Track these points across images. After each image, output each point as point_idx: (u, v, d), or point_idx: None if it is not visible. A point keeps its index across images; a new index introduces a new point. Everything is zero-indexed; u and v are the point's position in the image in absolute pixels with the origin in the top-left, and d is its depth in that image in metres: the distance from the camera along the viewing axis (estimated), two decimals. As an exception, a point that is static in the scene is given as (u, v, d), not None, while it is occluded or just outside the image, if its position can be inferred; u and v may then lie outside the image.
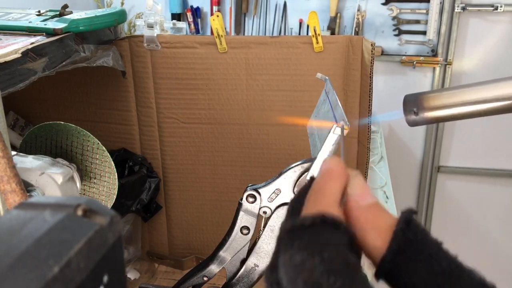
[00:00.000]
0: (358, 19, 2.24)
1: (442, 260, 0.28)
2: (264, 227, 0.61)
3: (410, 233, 0.28)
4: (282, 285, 0.27)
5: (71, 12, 0.95)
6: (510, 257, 2.45)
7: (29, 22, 0.90)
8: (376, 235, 0.29)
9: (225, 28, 2.32)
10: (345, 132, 0.48)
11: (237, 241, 0.63)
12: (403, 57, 2.27)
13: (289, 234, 0.27)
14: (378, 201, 0.31)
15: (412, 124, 0.35)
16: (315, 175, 0.55)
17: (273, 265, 0.28)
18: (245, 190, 0.60)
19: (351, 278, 0.25)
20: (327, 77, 0.60)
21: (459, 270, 0.27)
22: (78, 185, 0.79)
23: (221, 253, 0.64)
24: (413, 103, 0.34)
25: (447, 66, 2.25)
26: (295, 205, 0.31)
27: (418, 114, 0.34)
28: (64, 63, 0.83)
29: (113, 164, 0.85)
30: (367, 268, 0.46)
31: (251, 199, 0.60)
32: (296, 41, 1.05)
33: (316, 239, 0.26)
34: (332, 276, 0.24)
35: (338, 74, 1.05)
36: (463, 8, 2.15)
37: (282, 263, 0.26)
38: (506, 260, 2.44)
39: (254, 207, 0.61)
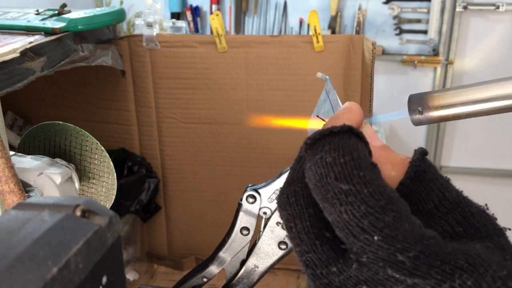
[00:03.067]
0: (359, 18, 2.24)
1: (452, 191, 0.31)
2: (264, 227, 0.61)
3: (425, 164, 0.31)
4: (299, 194, 0.30)
5: (69, 11, 0.95)
6: (510, 257, 2.44)
7: (28, 21, 0.89)
8: (391, 167, 0.32)
9: (225, 27, 2.31)
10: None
11: (237, 241, 0.62)
12: (404, 56, 2.27)
13: (318, 141, 0.29)
14: (386, 144, 0.34)
15: (417, 123, 0.35)
16: None
17: (291, 179, 0.31)
18: (245, 191, 0.60)
19: (378, 175, 0.28)
20: (327, 77, 0.60)
21: (466, 200, 0.31)
22: (76, 186, 0.79)
23: (221, 254, 0.63)
24: (418, 103, 0.35)
25: (449, 65, 2.25)
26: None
27: (423, 113, 0.35)
28: (62, 62, 0.82)
29: (112, 164, 0.84)
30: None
31: (251, 200, 0.60)
32: (296, 41, 1.05)
33: (346, 143, 0.28)
34: (361, 171, 0.27)
35: (339, 73, 1.04)
36: (465, 7, 2.15)
37: (311, 164, 0.28)
38: (507, 260, 2.43)
39: (254, 208, 0.60)
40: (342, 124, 0.29)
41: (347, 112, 0.34)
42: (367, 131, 0.34)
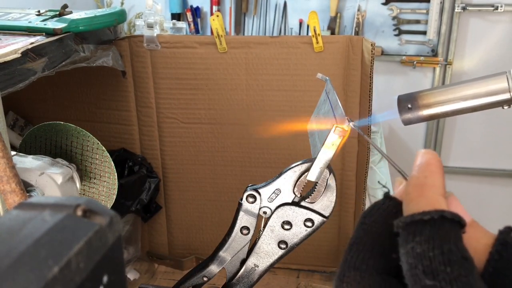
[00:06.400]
0: (358, 19, 2.24)
1: None
2: (264, 227, 0.61)
3: (507, 253, 0.28)
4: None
5: (70, 12, 0.95)
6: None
7: (29, 22, 0.90)
8: (473, 255, 0.28)
9: (225, 28, 2.31)
10: (347, 132, 0.48)
11: (237, 241, 0.63)
12: (403, 57, 2.27)
13: (408, 228, 0.28)
14: (474, 220, 0.31)
15: (407, 122, 0.36)
16: (314, 178, 0.55)
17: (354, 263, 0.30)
18: (245, 190, 0.60)
19: (467, 271, 0.26)
20: (327, 78, 0.60)
21: None
22: (77, 185, 0.79)
23: (221, 253, 0.64)
24: (406, 101, 0.35)
25: (447, 66, 2.25)
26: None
27: (412, 111, 0.35)
28: (63, 63, 0.83)
29: (113, 164, 0.85)
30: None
31: (251, 199, 0.60)
32: (296, 41, 1.05)
33: (436, 234, 0.27)
34: (449, 266, 0.26)
35: (338, 74, 1.05)
36: (463, 8, 2.15)
37: (403, 252, 0.28)
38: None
39: (254, 207, 0.61)
40: (433, 210, 0.28)
41: (429, 174, 0.31)
42: (453, 205, 0.31)
